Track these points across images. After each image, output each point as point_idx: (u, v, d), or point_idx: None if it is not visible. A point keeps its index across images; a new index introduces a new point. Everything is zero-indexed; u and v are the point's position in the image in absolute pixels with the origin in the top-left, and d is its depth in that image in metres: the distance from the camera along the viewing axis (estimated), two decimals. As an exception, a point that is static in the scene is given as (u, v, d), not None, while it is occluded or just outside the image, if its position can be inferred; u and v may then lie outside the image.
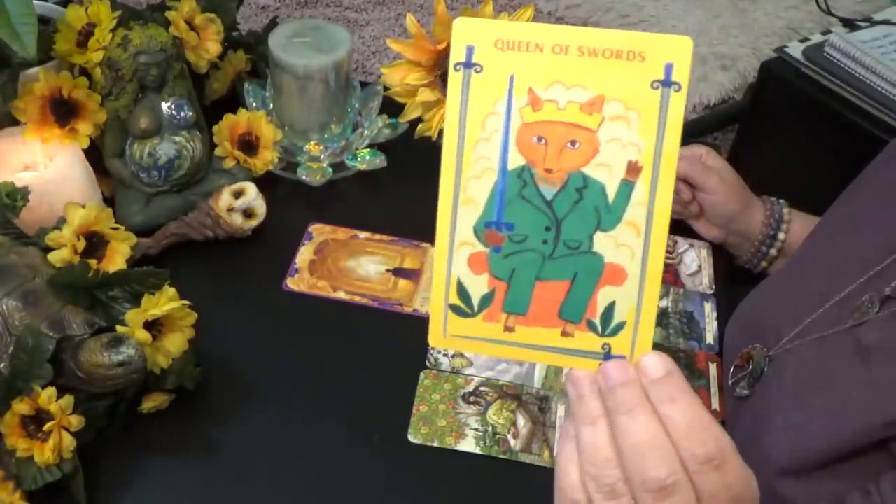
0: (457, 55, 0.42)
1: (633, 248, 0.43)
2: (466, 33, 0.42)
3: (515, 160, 0.43)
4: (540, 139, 0.42)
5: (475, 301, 0.45)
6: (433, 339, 0.46)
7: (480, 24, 0.42)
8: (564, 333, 0.45)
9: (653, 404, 0.41)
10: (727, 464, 0.40)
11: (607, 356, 0.44)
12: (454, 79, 0.42)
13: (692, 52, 0.41)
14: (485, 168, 0.43)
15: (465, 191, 0.43)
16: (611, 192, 0.43)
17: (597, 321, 0.44)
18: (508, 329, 0.45)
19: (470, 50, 0.42)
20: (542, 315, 0.45)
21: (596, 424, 0.42)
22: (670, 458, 0.40)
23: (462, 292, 0.45)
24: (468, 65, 0.42)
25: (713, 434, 0.40)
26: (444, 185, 0.44)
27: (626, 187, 0.42)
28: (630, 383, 0.42)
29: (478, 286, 0.45)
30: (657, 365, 0.42)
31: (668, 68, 0.41)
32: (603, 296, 0.44)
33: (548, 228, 0.43)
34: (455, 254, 0.44)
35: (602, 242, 0.43)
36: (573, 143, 0.42)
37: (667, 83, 0.41)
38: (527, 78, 0.42)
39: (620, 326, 0.44)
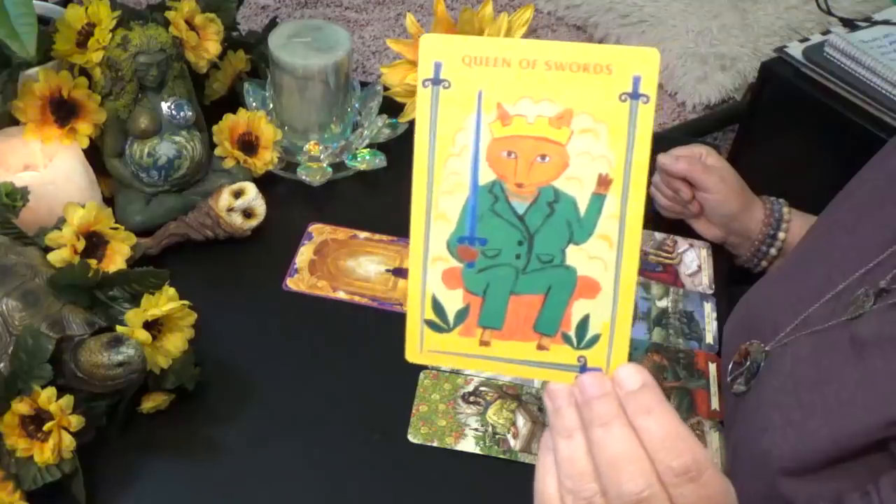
0: (424, 71, 0.42)
1: (606, 261, 0.43)
2: (434, 49, 0.42)
3: (486, 175, 0.43)
4: (510, 154, 0.43)
5: (450, 316, 0.45)
6: (409, 354, 0.46)
7: (447, 39, 0.42)
8: (540, 347, 0.45)
9: (629, 416, 0.41)
10: (703, 475, 0.40)
11: (583, 369, 0.44)
12: (423, 95, 0.42)
13: (659, 64, 0.41)
14: (456, 183, 0.43)
15: (437, 206, 0.44)
16: (582, 206, 0.43)
17: (571, 334, 0.44)
18: (484, 343, 0.45)
19: (438, 66, 0.42)
20: (518, 329, 0.45)
21: (572, 437, 0.42)
22: (646, 471, 0.40)
23: (437, 308, 0.45)
24: (436, 81, 0.42)
25: (688, 446, 0.40)
26: (415, 201, 0.44)
27: (597, 200, 0.42)
28: (606, 396, 0.42)
29: (453, 301, 0.45)
30: (633, 376, 0.42)
31: (636, 80, 0.41)
32: (577, 309, 0.44)
33: (520, 243, 0.44)
34: (429, 269, 0.44)
35: (575, 256, 0.43)
36: (543, 157, 0.42)
37: (635, 95, 0.41)
38: (495, 93, 0.42)
39: (595, 339, 0.44)
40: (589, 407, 0.42)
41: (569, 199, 0.43)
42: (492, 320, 0.45)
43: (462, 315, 0.45)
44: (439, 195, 0.43)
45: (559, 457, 0.43)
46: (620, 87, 0.41)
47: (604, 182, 0.42)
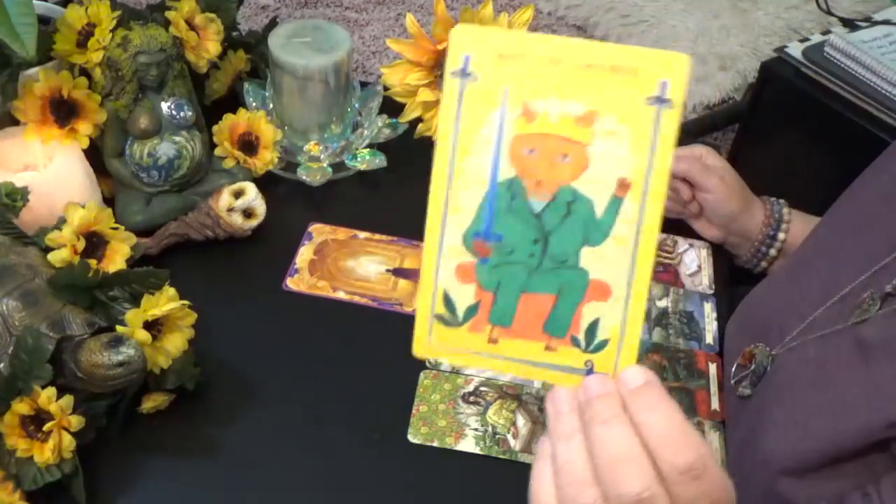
0: (453, 63, 0.42)
1: (620, 265, 0.43)
2: (464, 42, 0.42)
3: (506, 171, 0.43)
4: (531, 151, 0.42)
5: (460, 311, 0.45)
6: (417, 348, 0.46)
7: (479, 32, 0.42)
8: (548, 348, 0.45)
9: (631, 414, 0.41)
10: (706, 472, 0.40)
11: (590, 372, 0.44)
12: (450, 86, 0.42)
13: (689, 70, 0.40)
14: (475, 178, 0.43)
15: (454, 200, 0.43)
16: (599, 208, 0.42)
17: (580, 337, 0.44)
18: (492, 341, 0.45)
19: (467, 59, 0.42)
20: (527, 328, 0.45)
21: (571, 440, 0.42)
22: (646, 472, 0.40)
23: (448, 302, 0.45)
24: (464, 73, 0.42)
25: (692, 443, 0.40)
26: (433, 193, 0.43)
27: (615, 203, 0.42)
28: (608, 395, 0.41)
29: (464, 296, 0.45)
30: (636, 374, 0.42)
31: (663, 85, 0.40)
32: (587, 312, 0.44)
33: (535, 241, 0.43)
34: (442, 263, 0.44)
35: (588, 258, 0.43)
36: (564, 156, 0.42)
37: (661, 100, 0.41)
38: (521, 89, 0.42)
39: (604, 343, 0.44)
40: (590, 406, 0.41)
41: (586, 201, 0.42)
42: (502, 317, 0.45)
43: (472, 311, 0.45)
44: (458, 188, 0.43)
45: (558, 462, 0.42)
46: (647, 91, 0.41)
47: (623, 186, 0.42)
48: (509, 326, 0.45)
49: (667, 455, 0.40)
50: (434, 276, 0.44)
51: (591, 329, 0.44)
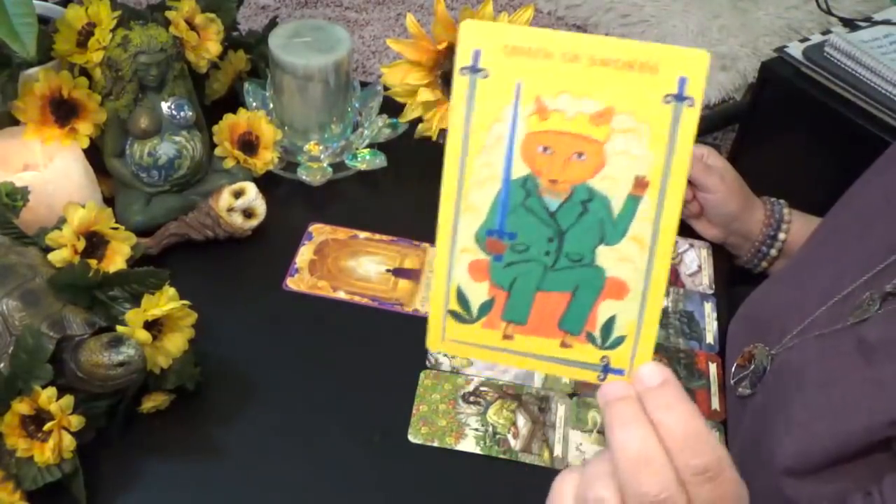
0: (463, 59, 0.41)
1: (637, 264, 0.42)
2: (473, 36, 0.40)
3: (520, 169, 0.42)
4: (546, 149, 0.41)
5: (474, 308, 0.45)
6: (431, 342, 0.46)
7: (488, 27, 0.41)
8: (563, 344, 0.44)
9: (648, 412, 0.41)
10: (722, 474, 0.40)
11: (606, 368, 0.44)
12: (459, 83, 0.41)
13: (708, 67, 0.39)
14: (488, 175, 0.42)
15: (466, 197, 0.43)
16: (616, 206, 0.42)
17: (596, 334, 0.44)
18: (507, 337, 0.45)
19: (477, 54, 0.40)
20: (542, 325, 0.44)
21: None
22: (664, 473, 0.40)
23: (461, 299, 0.44)
24: (474, 69, 0.41)
25: (709, 444, 0.40)
26: (445, 191, 0.43)
27: (633, 202, 0.41)
28: (627, 398, 0.41)
29: (478, 293, 0.44)
30: (654, 373, 0.42)
31: (682, 82, 0.39)
32: (603, 309, 0.43)
33: (550, 240, 0.43)
34: (455, 260, 0.44)
35: (605, 256, 0.42)
36: (580, 154, 0.41)
37: (680, 97, 0.40)
38: (535, 85, 0.41)
39: (620, 340, 0.44)
40: (609, 408, 0.42)
41: (603, 199, 0.42)
42: (516, 315, 0.44)
43: (486, 307, 0.44)
44: (470, 186, 0.42)
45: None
46: (665, 89, 0.40)
47: (641, 184, 0.41)
48: (524, 323, 0.44)
49: (683, 456, 0.40)
50: (447, 274, 0.44)
51: (608, 326, 0.43)
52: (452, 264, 0.44)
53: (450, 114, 0.42)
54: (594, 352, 0.44)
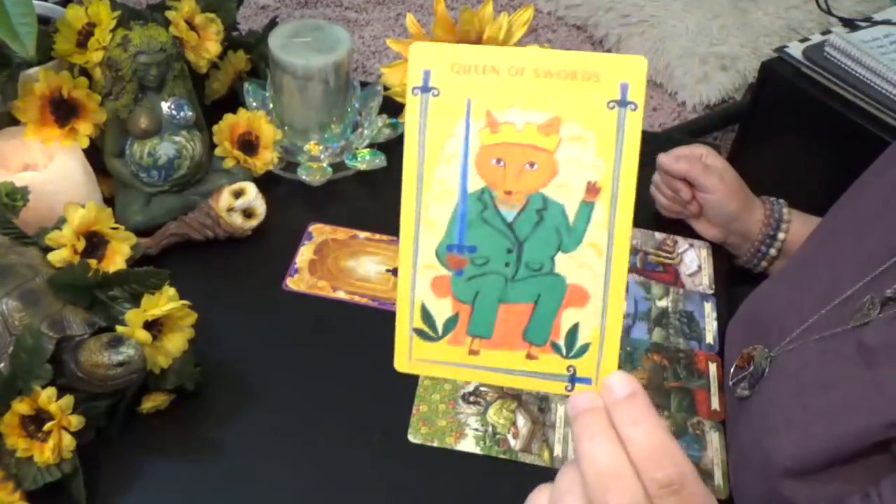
0: (414, 79, 0.42)
1: (595, 269, 0.43)
2: (422, 57, 0.42)
3: (475, 183, 0.43)
4: (499, 161, 0.43)
5: (439, 325, 0.45)
6: (398, 363, 0.46)
7: (436, 48, 0.42)
8: (529, 356, 0.45)
9: (616, 425, 0.41)
10: (686, 489, 0.40)
11: (573, 378, 0.44)
12: (412, 102, 0.42)
13: (646, 72, 0.41)
14: (445, 191, 0.43)
15: (426, 214, 0.44)
16: (571, 213, 0.43)
17: (561, 343, 0.44)
18: (473, 352, 0.45)
19: (427, 74, 0.42)
20: (507, 338, 0.45)
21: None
22: (631, 486, 0.40)
23: (426, 316, 0.45)
24: (425, 88, 0.42)
25: (673, 458, 0.40)
26: (405, 209, 0.44)
27: (586, 208, 0.42)
28: (594, 410, 0.42)
29: (442, 310, 0.45)
30: (622, 384, 0.42)
31: (624, 88, 0.41)
32: (566, 317, 0.44)
33: (509, 250, 0.44)
34: (418, 277, 0.44)
35: (564, 263, 0.43)
36: (532, 164, 0.42)
37: (623, 103, 0.41)
38: (484, 100, 0.42)
39: (585, 348, 0.44)
40: (577, 421, 0.42)
41: (557, 207, 0.43)
42: (481, 329, 0.45)
43: (451, 324, 0.45)
44: (428, 202, 0.43)
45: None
46: (608, 95, 0.41)
47: (592, 190, 0.42)
48: (489, 337, 0.45)
49: (647, 469, 0.40)
50: (410, 292, 0.45)
51: (572, 334, 0.44)
52: (415, 282, 0.44)
53: (405, 133, 0.43)
54: (560, 362, 0.44)
